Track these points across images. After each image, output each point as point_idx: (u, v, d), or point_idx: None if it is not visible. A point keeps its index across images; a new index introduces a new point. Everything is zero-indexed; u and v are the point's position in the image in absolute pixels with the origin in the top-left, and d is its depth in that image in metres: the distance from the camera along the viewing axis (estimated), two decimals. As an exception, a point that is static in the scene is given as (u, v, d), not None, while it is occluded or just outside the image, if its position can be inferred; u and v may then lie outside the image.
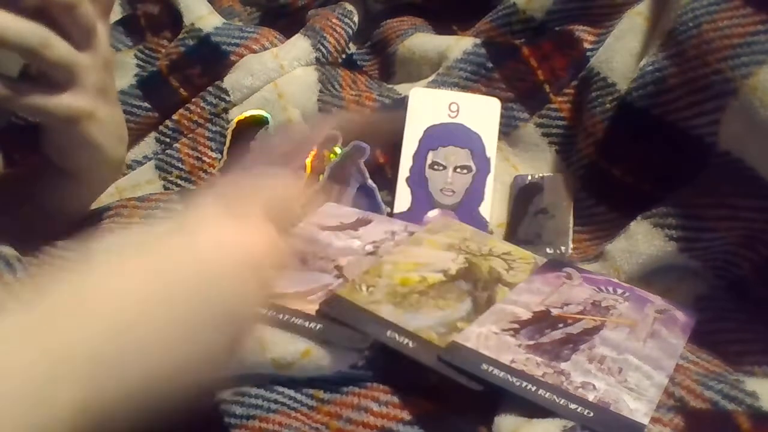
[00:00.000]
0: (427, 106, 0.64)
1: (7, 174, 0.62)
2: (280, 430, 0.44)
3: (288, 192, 0.45)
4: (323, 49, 0.70)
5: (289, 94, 0.67)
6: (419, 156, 0.63)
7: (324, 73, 0.69)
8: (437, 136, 0.63)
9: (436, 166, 0.62)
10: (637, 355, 0.45)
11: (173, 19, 0.74)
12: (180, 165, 0.67)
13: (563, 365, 0.44)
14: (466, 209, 0.61)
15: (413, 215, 0.61)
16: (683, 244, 0.52)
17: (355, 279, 0.49)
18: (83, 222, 0.57)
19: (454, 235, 0.56)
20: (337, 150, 0.65)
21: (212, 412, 0.44)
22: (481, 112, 0.64)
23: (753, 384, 0.44)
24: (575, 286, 0.51)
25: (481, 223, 0.61)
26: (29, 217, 0.55)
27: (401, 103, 0.64)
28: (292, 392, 0.45)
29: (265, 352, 0.44)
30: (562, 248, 0.58)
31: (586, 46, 0.63)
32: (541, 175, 0.63)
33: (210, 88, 0.69)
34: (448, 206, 0.61)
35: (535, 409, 0.42)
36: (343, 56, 0.73)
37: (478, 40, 0.67)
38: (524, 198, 0.62)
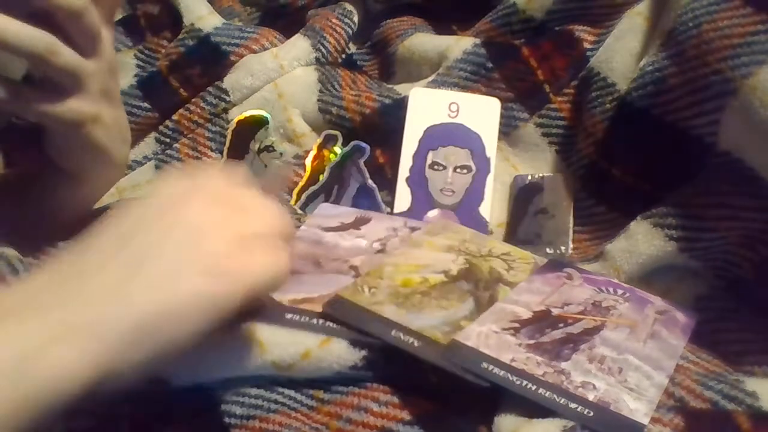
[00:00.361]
0: (427, 106, 0.64)
1: (7, 174, 0.62)
2: (280, 430, 0.44)
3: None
4: (323, 49, 0.70)
5: (289, 94, 0.67)
6: (419, 156, 0.63)
7: (324, 73, 0.69)
8: (437, 136, 0.63)
9: (436, 166, 0.62)
10: (637, 355, 0.45)
11: (173, 20, 0.74)
12: (180, 165, 0.67)
13: (563, 365, 0.44)
14: (466, 209, 0.61)
15: (413, 215, 0.61)
16: (683, 244, 0.52)
17: (357, 281, 0.49)
18: (83, 222, 0.57)
19: (453, 236, 0.56)
20: (337, 150, 0.65)
21: (212, 412, 0.44)
22: (481, 112, 0.64)
23: (753, 384, 0.44)
24: (576, 286, 0.51)
25: (481, 223, 0.61)
26: (29, 218, 0.55)
27: (401, 103, 0.64)
28: (292, 392, 0.45)
29: (265, 355, 0.44)
30: (562, 248, 0.58)
31: (586, 46, 0.63)
32: (541, 175, 0.63)
33: (210, 88, 0.69)
34: (448, 206, 0.61)
35: (535, 409, 0.42)
36: (343, 56, 0.73)
37: (478, 40, 0.67)
38: (524, 198, 0.62)
